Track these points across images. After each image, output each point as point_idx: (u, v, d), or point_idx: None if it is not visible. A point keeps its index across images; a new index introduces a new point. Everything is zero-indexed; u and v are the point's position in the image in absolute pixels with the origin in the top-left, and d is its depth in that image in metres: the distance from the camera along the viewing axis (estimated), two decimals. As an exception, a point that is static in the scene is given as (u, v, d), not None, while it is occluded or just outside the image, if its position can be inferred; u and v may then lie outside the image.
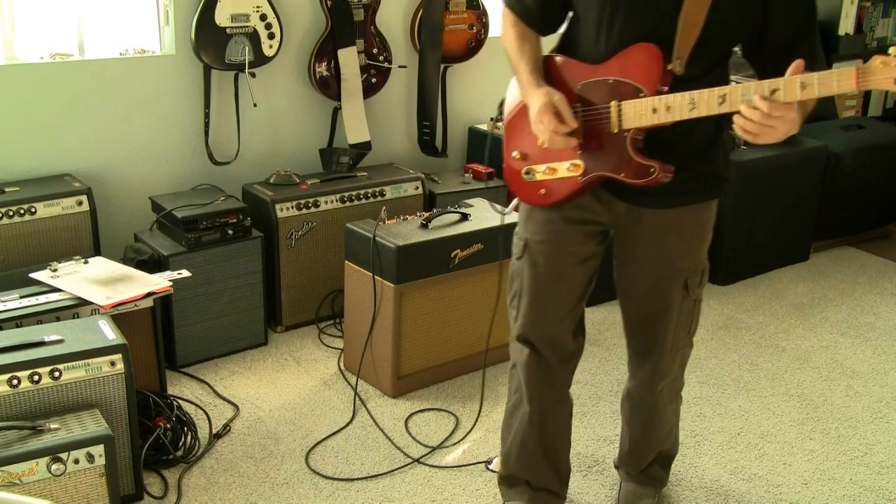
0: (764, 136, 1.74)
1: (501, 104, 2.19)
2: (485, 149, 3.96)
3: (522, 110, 2.08)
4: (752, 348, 3.46)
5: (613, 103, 1.91)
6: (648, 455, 2.44)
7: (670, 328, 2.18)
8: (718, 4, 1.83)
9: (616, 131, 1.92)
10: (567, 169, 2.01)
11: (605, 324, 3.55)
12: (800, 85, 1.68)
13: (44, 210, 3.00)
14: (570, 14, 2.06)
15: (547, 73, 2.02)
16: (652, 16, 1.87)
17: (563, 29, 2.10)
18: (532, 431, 2.28)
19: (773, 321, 3.69)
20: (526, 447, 2.30)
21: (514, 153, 2.12)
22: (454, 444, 2.78)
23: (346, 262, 3.08)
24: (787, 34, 1.89)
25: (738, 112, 1.76)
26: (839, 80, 1.65)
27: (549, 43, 2.11)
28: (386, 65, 3.70)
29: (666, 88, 1.87)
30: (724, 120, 2.02)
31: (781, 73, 1.72)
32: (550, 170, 2.05)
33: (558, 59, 2.04)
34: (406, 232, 2.98)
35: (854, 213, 4.45)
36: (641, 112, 1.87)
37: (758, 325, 3.65)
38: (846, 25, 4.92)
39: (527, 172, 2.09)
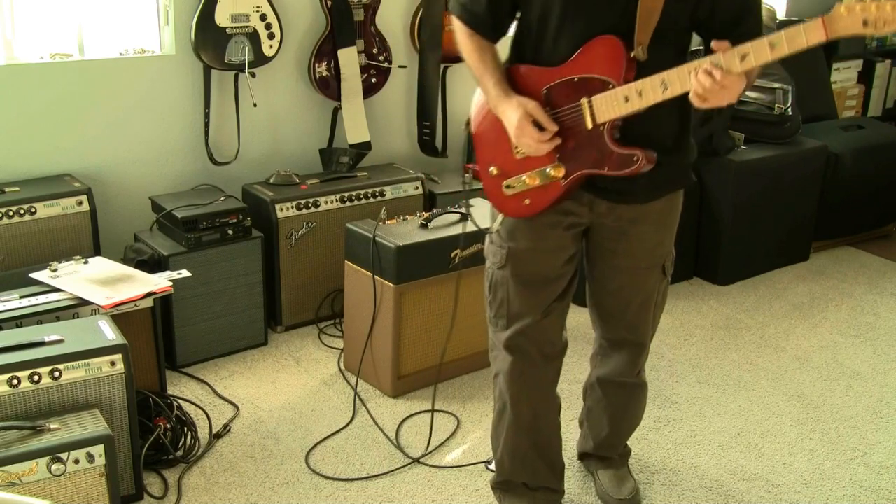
0: (713, 99, 1.77)
1: (468, 123, 2.16)
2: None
3: (492, 123, 2.07)
4: (752, 348, 3.46)
5: (584, 100, 1.91)
6: (628, 436, 2.53)
7: (650, 315, 2.26)
8: None
9: (591, 127, 1.92)
10: (549, 174, 2.00)
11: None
12: (768, 45, 1.68)
13: (44, 210, 3.00)
14: (517, 22, 2.06)
15: (512, 83, 2.01)
16: (612, 10, 1.87)
17: (512, 35, 2.09)
18: (522, 435, 2.29)
19: (773, 321, 3.69)
20: (518, 451, 2.32)
21: (492, 169, 2.11)
22: (454, 444, 2.78)
23: (346, 262, 3.08)
24: (734, 10, 1.91)
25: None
26: (807, 32, 1.65)
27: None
28: (386, 65, 3.70)
29: (632, 77, 1.87)
30: (690, 114, 2.04)
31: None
32: (531, 178, 2.03)
33: (521, 68, 2.03)
34: (406, 232, 2.98)
35: (854, 213, 4.45)
36: (614, 103, 1.87)
37: (758, 325, 3.65)
38: (846, 25, 4.92)
39: (507, 186, 2.08)
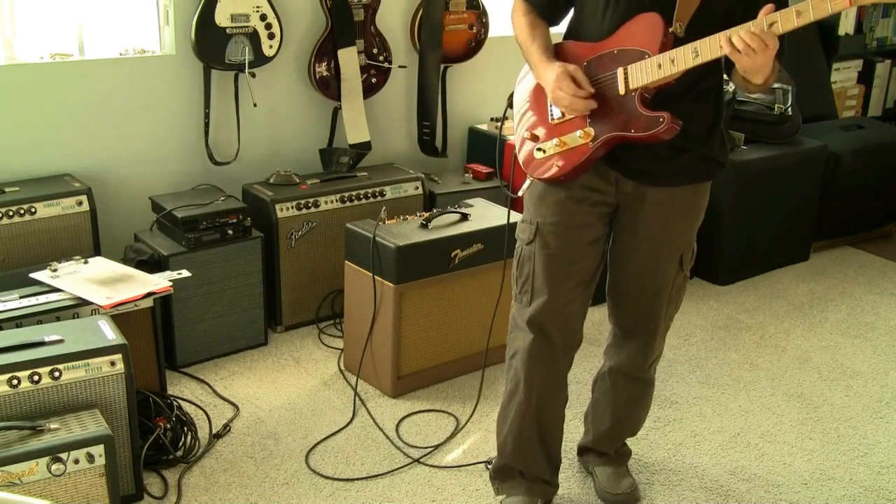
0: (749, 58, 1.81)
1: (511, 96, 2.29)
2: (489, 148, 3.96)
3: (532, 92, 2.20)
4: (752, 348, 3.46)
5: (620, 68, 1.99)
6: (628, 434, 2.56)
7: (664, 304, 2.30)
8: None
9: (623, 93, 2.00)
10: (579, 137, 2.08)
11: (605, 324, 3.54)
12: (795, 13, 1.74)
13: (44, 210, 3.00)
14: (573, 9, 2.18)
15: (558, 57, 2.12)
16: None
17: (567, 21, 2.21)
18: (529, 419, 2.32)
19: (773, 321, 3.69)
20: (522, 435, 2.34)
21: (526, 133, 2.21)
22: (454, 444, 2.78)
23: (346, 262, 3.08)
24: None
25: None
26: (832, 0, 1.71)
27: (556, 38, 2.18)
28: (386, 65, 3.70)
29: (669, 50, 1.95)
30: (722, 107, 2.14)
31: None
32: (561, 142, 2.11)
33: (567, 43, 2.15)
34: (406, 232, 2.98)
35: (854, 213, 4.45)
36: (647, 70, 1.95)
37: (758, 325, 3.65)
38: (846, 25, 4.92)
39: (539, 150, 2.17)
